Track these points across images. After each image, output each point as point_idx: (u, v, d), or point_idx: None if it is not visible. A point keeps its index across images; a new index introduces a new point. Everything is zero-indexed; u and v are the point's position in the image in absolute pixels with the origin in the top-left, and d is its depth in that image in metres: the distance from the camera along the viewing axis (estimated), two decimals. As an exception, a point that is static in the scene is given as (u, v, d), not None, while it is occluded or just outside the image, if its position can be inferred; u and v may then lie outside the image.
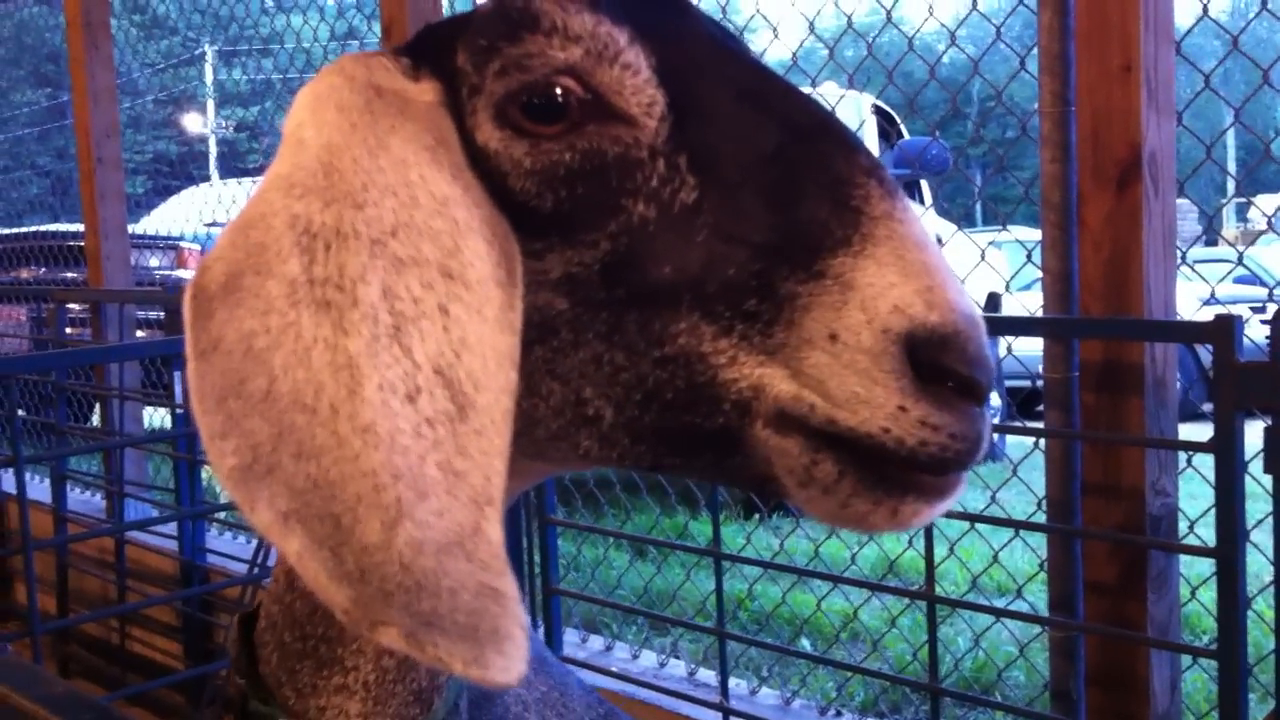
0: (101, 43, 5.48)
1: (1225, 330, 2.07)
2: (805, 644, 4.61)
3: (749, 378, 0.86)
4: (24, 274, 8.29)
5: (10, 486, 5.51)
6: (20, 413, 4.03)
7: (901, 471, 0.85)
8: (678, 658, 3.70)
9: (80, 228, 6.82)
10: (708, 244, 0.88)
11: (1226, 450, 2.10)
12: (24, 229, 9.15)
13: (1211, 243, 11.10)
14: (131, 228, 6.20)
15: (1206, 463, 2.26)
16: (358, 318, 0.82)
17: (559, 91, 0.91)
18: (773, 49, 4.02)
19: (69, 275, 7.97)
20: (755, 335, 0.86)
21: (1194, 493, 2.87)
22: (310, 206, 0.86)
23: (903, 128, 8.69)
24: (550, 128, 0.92)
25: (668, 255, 0.89)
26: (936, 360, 0.82)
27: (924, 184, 8.79)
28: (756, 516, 5.75)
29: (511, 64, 0.92)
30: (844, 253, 0.84)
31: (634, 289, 0.89)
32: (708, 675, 3.47)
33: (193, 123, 21.84)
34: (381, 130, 0.90)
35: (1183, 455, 2.49)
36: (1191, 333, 2.37)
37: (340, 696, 1.00)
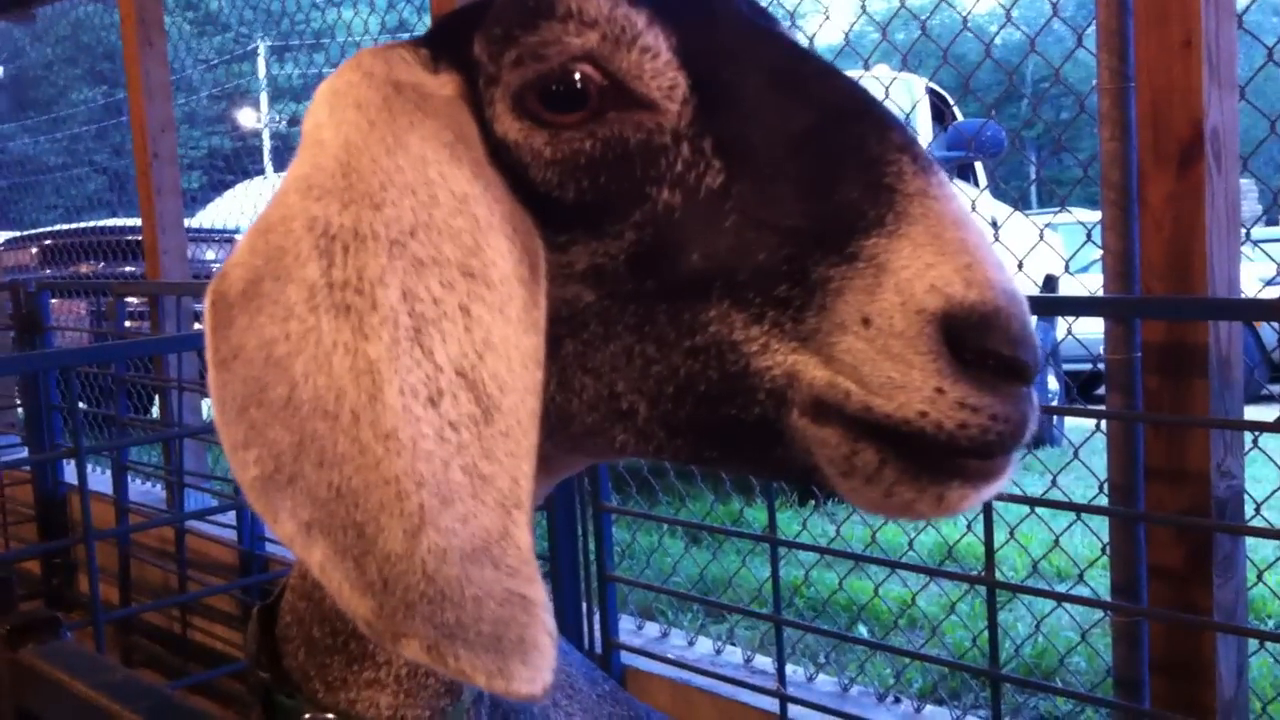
0: (156, 39, 5.53)
1: (1292, 308, 2.03)
2: (862, 630, 4.59)
3: (782, 365, 0.83)
4: (83, 269, 8.41)
5: (73, 478, 5.61)
6: (81, 405, 4.09)
7: (944, 457, 0.81)
8: (734, 645, 3.69)
9: (138, 222, 6.91)
10: (736, 229, 0.85)
11: (1294, 431, 2.05)
12: (83, 224, 9.28)
13: (1272, 222, 10.92)
14: (188, 222, 6.27)
15: (1272, 443, 2.22)
16: (377, 321, 0.81)
17: (577, 79, 0.89)
18: (824, 32, 3.99)
19: (128, 269, 8.08)
20: (787, 321, 0.83)
21: (1258, 475, 2.82)
22: (329, 208, 0.85)
23: (956, 110, 8.62)
24: (570, 116, 0.89)
25: (695, 242, 0.86)
26: (978, 341, 0.78)
27: (978, 166, 8.71)
28: (812, 503, 5.72)
29: (527, 53, 0.90)
30: (877, 233, 0.81)
31: (662, 279, 0.87)
32: (764, 662, 3.46)
33: (246, 118, 22.05)
34: (400, 128, 0.89)
35: (1248, 436, 2.44)
36: (1259, 311, 2.32)
37: (371, 690, 0.99)
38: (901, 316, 0.79)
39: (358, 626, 0.79)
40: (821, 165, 0.85)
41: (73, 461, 4.78)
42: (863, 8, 3.46)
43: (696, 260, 0.86)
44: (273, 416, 0.81)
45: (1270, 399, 5.79)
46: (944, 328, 0.79)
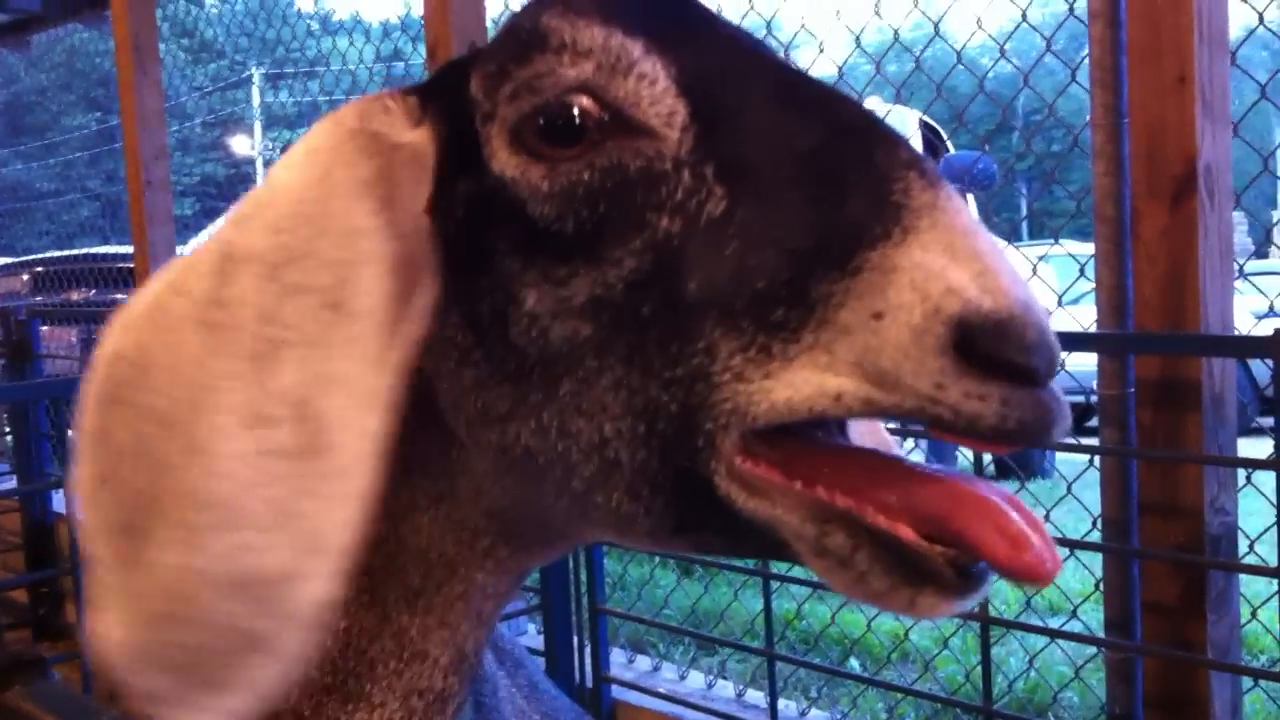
0: (150, 67, 5.53)
1: (1287, 345, 2.03)
2: (855, 665, 4.56)
3: (735, 396, 0.80)
4: (74, 296, 8.39)
5: (61, 506, 5.57)
6: (71, 433, 4.06)
7: (920, 561, 0.78)
8: (726, 678, 3.67)
9: (128, 249, 6.89)
10: (738, 255, 0.82)
11: (1289, 468, 2.05)
12: (74, 251, 9.28)
13: (1262, 255, 10.96)
14: (180, 249, 6.25)
15: (1265, 479, 2.22)
16: (228, 339, 0.83)
17: (574, 111, 0.88)
18: (818, 64, 4.00)
19: (118, 297, 8.07)
20: (775, 344, 0.79)
21: (1249, 509, 2.81)
22: (240, 231, 0.87)
23: (949, 143, 8.65)
24: (568, 150, 0.88)
25: (695, 269, 0.83)
26: (990, 349, 0.74)
27: (970, 199, 8.74)
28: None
29: (523, 86, 0.89)
30: (884, 245, 0.77)
31: (658, 307, 0.84)
32: (756, 696, 3.44)
33: (240, 145, 22.09)
34: (330, 163, 0.89)
35: (1241, 472, 2.44)
36: (1251, 347, 2.32)
37: None
38: (920, 312, 0.75)
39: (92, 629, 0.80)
40: (826, 187, 0.82)
41: (61, 490, 4.76)
42: (857, 41, 3.48)
43: (694, 288, 0.83)
44: (122, 418, 0.83)
45: (1261, 431, 5.79)
46: (956, 333, 0.75)
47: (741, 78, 0.89)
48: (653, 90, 0.88)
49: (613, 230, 0.87)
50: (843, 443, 0.92)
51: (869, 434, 1.06)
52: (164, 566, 0.78)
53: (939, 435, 0.79)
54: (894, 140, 0.84)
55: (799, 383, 0.78)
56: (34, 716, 1.30)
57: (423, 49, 4.24)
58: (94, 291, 8.27)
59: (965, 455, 3.70)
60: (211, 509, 0.78)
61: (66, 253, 9.34)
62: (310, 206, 0.87)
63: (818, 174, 0.83)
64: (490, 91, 0.91)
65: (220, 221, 0.95)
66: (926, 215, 0.79)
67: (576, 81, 0.88)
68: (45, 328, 6.97)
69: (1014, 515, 0.79)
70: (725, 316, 0.82)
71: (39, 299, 8.56)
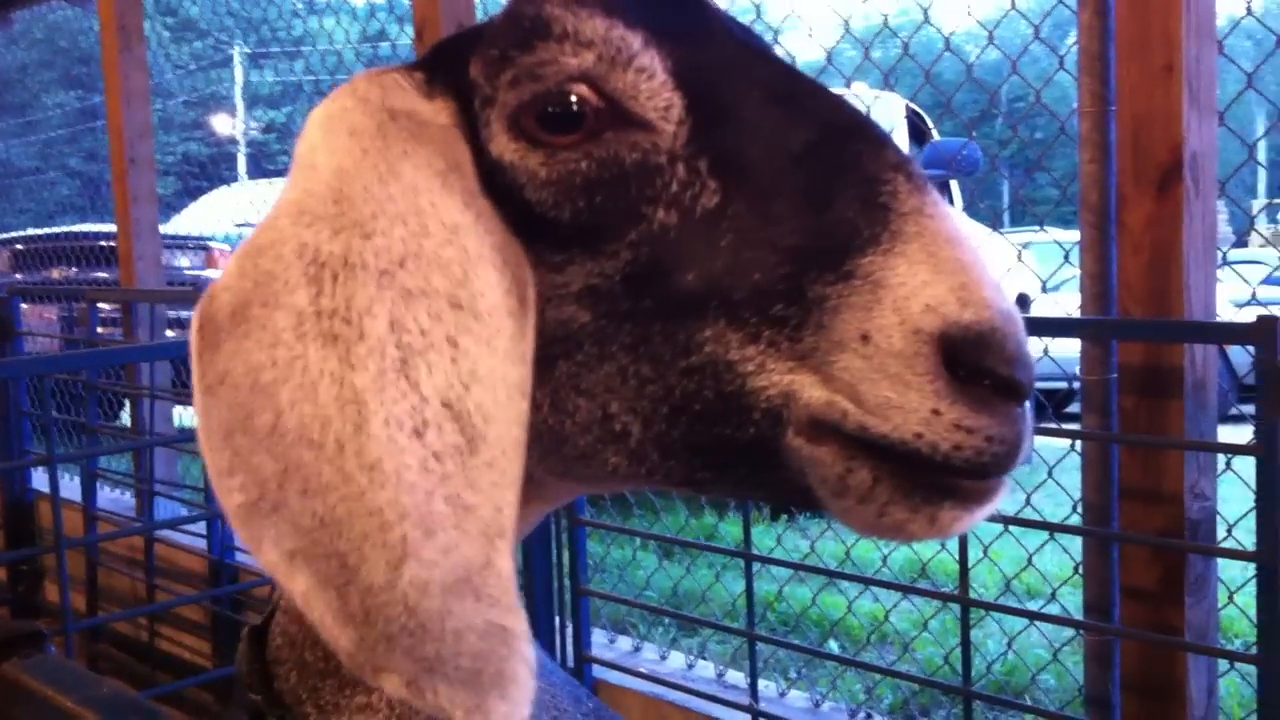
0: (135, 45, 5.50)
1: (1268, 331, 2.05)
2: (834, 646, 4.59)
3: (778, 384, 0.83)
4: (55, 274, 8.35)
5: (40, 484, 5.56)
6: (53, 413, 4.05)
7: (938, 477, 0.82)
8: (706, 659, 3.69)
9: (110, 228, 6.86)
10: (732, 248, 0.85)
11: (1269, 453, 2.07)
12: (55, 229, 9.23)
13: (1241, 244, 11.01)
14: (161, 228, 6.23)
15: (1244, 465, 2.24)
16: (364, 351, 0.81)
17: (573, 100, 0.89)
18: (806, 49, 4.01)
19: (99, 275, 8.03)
20: (783, 340, 0.83)
21: (1226, 495, 2.84)
22: (319, 235, 0.85)
23: (933, 129, 8.66)
24: (566, 137, 0.90)
25: (691, 262, 0.86)
26: (974, 360, 0.79)
27: (954, 185, 8.76)
28: (785, 518, 5.73)
29: (524, 73, 0.90)
30: (873, 251, 0.81)
31: (658, 298, 0.87)
32: (737, 677, 3.46)
33: (221, 124, 21.96)
34: (393, 156, 0.89)
35: (1221, 458, 2.46)
36: (1233, 334, 2.34)
37: (363, 715, 0.99)
38: (900, 335, 0.79)
39: (339, 658, 0.78)
40: (816, 185, 0.85)
41: (41, 468, 4.74)
42: (846, 27, 3.48)
43: (692, 280, 0.86)
44: (258, 443, 0.80)
45: (1240, 418, 5.83)
46: (941, 347, 0.79)
47: (737, 73, 0.91)
48: (650, 84, 0.90)
49: (609, 221, 0.89)
50: None
51: None
52: (389, 584, 0.77)
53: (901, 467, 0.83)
54: (883, 141, 0.87)
55: (816, 390, 0.82)
56: (30, 688, 1.30)
57: (408, 29, 4.23)
58: (75, 270, 8.23)
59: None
60: (407, 520, 0.78)
61: (47, 230, 9.29)
62: (396, 205, 0.86)
63: (809, 171, 0.86)
64: (491, 76, 0.92)
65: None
66: (913, 221, 0.82)
67: (578, 70, 0.89)
68: (25, 305, 6.93)
69: None
70: (727, 307, 0.84)
71: (19, 276, 8.51)
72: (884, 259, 0.81)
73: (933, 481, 0.82)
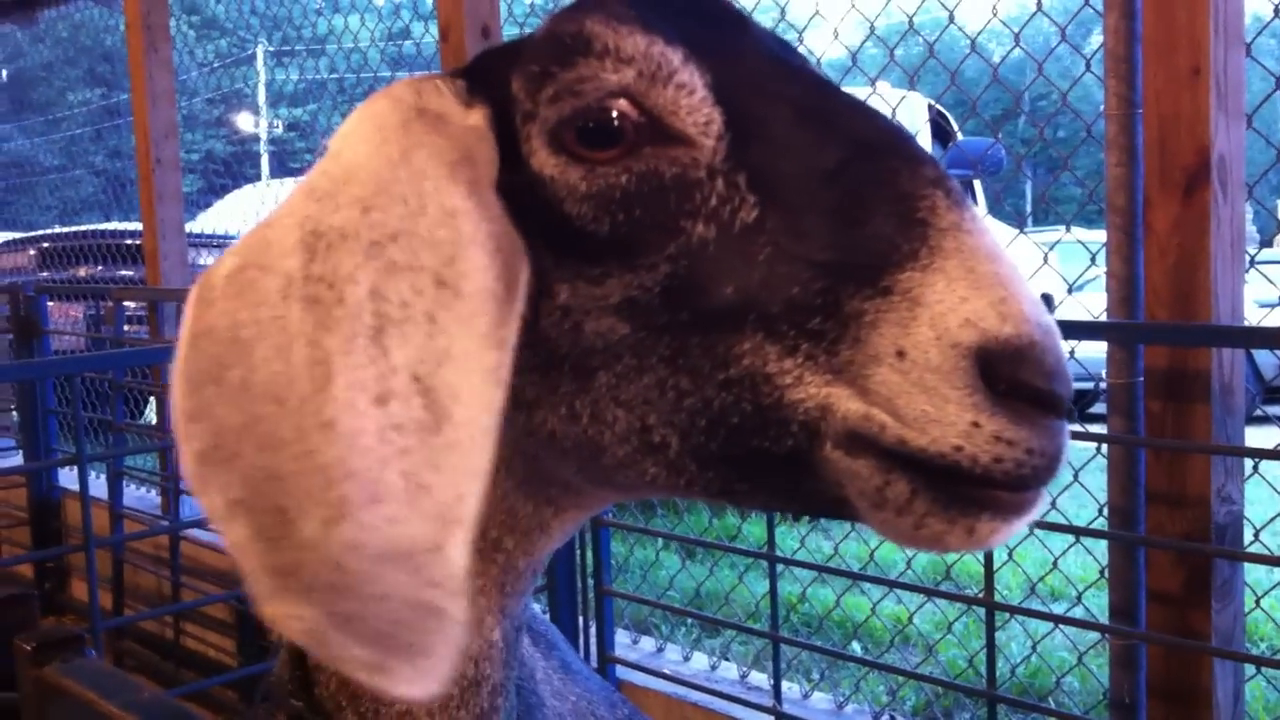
0: (160, 45, 5.53)
1: (1296, 337, 2.04)
2: (857, 648, 4.58)
3: (816, 397, 0.84)
4: (81, 272, 8.40)
5: (66, 481, 5.59)
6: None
7: (976, 489, 0.82)
8: (729, 660, 3.69)
9: (135, 226, 6.89)
10: (770, 263, 0.86)
11: (1297, 459, 2.06)
12: (81, 228, 9.27)
13: (1267, 244, 10.94)
14: (186, 226, 6.26)
15: (1272, 469, 2.23)
16: (341, 315, 0.83)
17: (614, 116, 0.90)
18: (830, 49, 4.01)
19: (124, 273, 8.07)
20: (821, 354, 0.83)
21: (1253, 497, 2.83)
22: (323, 209, 0.87)
23: (957, 129, 8.63)
24: (606, 152, 0.91)
25: (730, 276, 0.87)
26: (1012, 375, 0.79)
27: (977, 184, 8.73)
28: (807, 519, 5.72)
29: (565, 89, 0.91)
30: (911, 267, 0.82)
31: (696, 311, 0.87)
32: (759, 678, 3.46)
33: (244, 122, 22.04)
34: (408, 144, 0.90)
35: (1249, 461, 2.45)
36: (1262, 339, 2.33)
37: None
38: (937, 350, 0.80)
39: (253, 599, 0.80)
40: (854, 200, 0.85)
41: (68, 467, 4.78)
42: (870, 27, 3.48)
43: (730, 293, 0.86)
44: (225, 395, 0.83)
45: (1265, 420, 5.80)
46: (979, 361, 0.79)
47: (775, 89, 0.92)
48: (690, 99, 0.91)
49: (647, 235, 0.89)
50: None
51: None
52: (322, 540, 0.79)
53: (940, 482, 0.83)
54: (920, 158, 0.87)
55: (853, 404, 0.83)
56: (71, 692, 1.31)
57: (432, 27, 4.24)
58: (101, 268, 8.27)
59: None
60: (354, 482, 0.79)
61: (73, 229, 9.34)
62: (401, 186, 0.88)
63: (847, 187, 0.86)
64: (532, 92, 0.93)
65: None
66: (951, 237, 0.83)
67: (618, 86, 0.90)
68: (52, 304, 6.98)
69: None
70: (764, 321, 0.85)
71: (45, 275, 8.56)
72: (922, 275, 0.81)
73: (970, 494, 0.82)
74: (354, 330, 0.82)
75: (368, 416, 0.81)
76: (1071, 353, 3.06)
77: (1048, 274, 3.24)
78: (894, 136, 0.89)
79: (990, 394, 0.80)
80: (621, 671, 3.42)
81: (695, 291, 0.88)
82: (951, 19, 3.21)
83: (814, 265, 0.84)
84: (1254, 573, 3.12)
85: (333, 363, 0.81)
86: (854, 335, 0.82)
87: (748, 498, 0.93)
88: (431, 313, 0.84)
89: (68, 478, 5.61)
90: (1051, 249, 3.44)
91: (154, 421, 5.95)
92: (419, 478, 0.81)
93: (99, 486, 5.17)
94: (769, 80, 0.93)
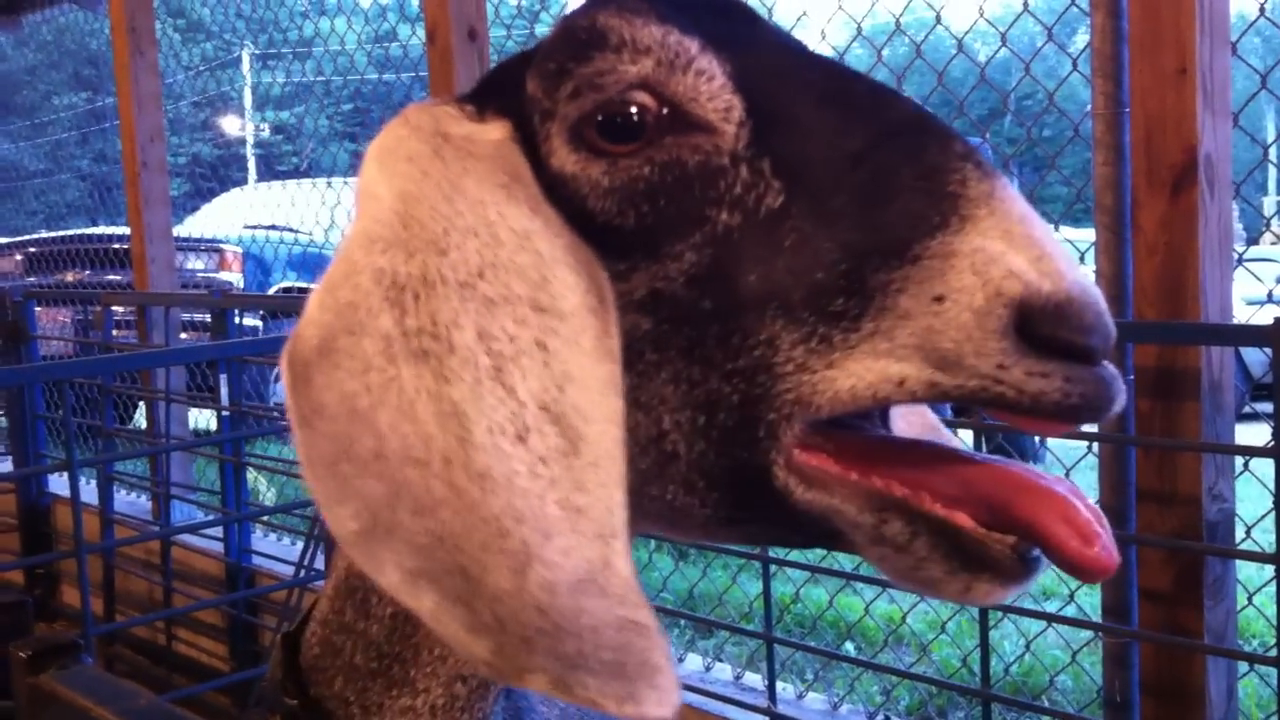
0: (146, 48, 5.52)
1: (1286, 334, 2.05)
2: (850, 648, 4.59)
3: (799, 385, 0.82)
4: (69, 277, 8.38)
5: (55, 488, 5.58)
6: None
7: (978, 548, 0.81)
8: (723, 661, 3.70)
9: (123, 230, 6.88)
10: (796, 248, 0.84)
11: (1287, 456, 2.07)
12: (67, 232, 9.25)
13: (1254, 242, 10.97)
14: (174, 230, 6.25)
15: (1262, 466, 2.24)
16: (457, 364, 0.81)
17: (634, 108, 0.89)
18: (817, 49, 4.01)
19: (112, 277, 8.06)
20: (837, 334, 0.81)
21: (1244, 494, 2.84)
22: (394, 259, 0.85)
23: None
24: (628, 145, 0.89)
25: (754, 262, 0.85)
26: (1049, 332, 0.77)
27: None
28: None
29: (584, 84, 0.90)
30: (943, 234, 0.80)
31: (719, 300, 0.86)
32: (754, 679, 3.47)
33: (230, 125, 22.00)
34: (454, 174, 0.89)
35: (1239, 459, 2.46)
36: (1250, 337, 2.34)
37: (405, 718, 1.00)
38: (982, 295, 0.78)
39: (479, 670, 0.79)
40: (881, 179, 0.84)
41: (58, 473, 4.76)
42: (858, 28, 3.48)
43: (754, 280, 0.85)
44: (363, 469, 0.80)
45: (1254, 417, 5.82)
46: (1017, 315, 0.78)
47: (793, 73, 0.91)
48: (710, 86, 0.89)
49: (672, 224, 0.88)
50: (893, 434, 0.95)
51: (926, 426, 1.08)
52: (517, 590, 0.77)
53: (1000, 417, 0.81)
54: (948, 134, 0.86)
55: (862, 370, 0.81)
56: (68, 700, 1.31)
57: (419, 30, 4.23)
58: (88, 272, 8.25)
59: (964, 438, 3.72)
60: (526, 525, 0.77)
61: (60, 233, 9.31)
62: (465, 219, 0.86)
63: (874, 167, 0.85)
64: (550, 90, 0.92)
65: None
66: (984, 204, 0.81)
67: (638, 77, 0.89)
68: (40, 309, 6.96)
69: (1081, 507, 0.81)
70: (785, 308, 0.84)
71: (32, 280, 8.54)
72: (955, 237, 0.80)
73: (972, 550, 0.81)
74: (475, 376, 0.80)
75: (515, 458, 0.79)
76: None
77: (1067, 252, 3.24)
78: (918, 115, 0.88)
79: (1022, 342, 0.78)
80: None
81: (720, 280, 0.86)
82: (938, 19, 3.22)
83: (840, 246, 0.83)
84: (1246, 570, 3.12)
85: (466, 412, 0.79)
86: (880, 305, 0.80)
87: (751, 529, 0.92)
88: (541, 340, 0.83)
89: (58, 483, 5.60)
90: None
91: (144, 426, 5.93)
92: (573, 503, 0.79)
93: (89, 492, 5.16)
94: (787, 67, 0.92)
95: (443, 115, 0.94)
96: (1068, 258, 0.80)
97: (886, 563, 0.84)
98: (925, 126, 0.86)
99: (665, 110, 0.89)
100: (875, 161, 0.85)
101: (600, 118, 0.90)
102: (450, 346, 0.81)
